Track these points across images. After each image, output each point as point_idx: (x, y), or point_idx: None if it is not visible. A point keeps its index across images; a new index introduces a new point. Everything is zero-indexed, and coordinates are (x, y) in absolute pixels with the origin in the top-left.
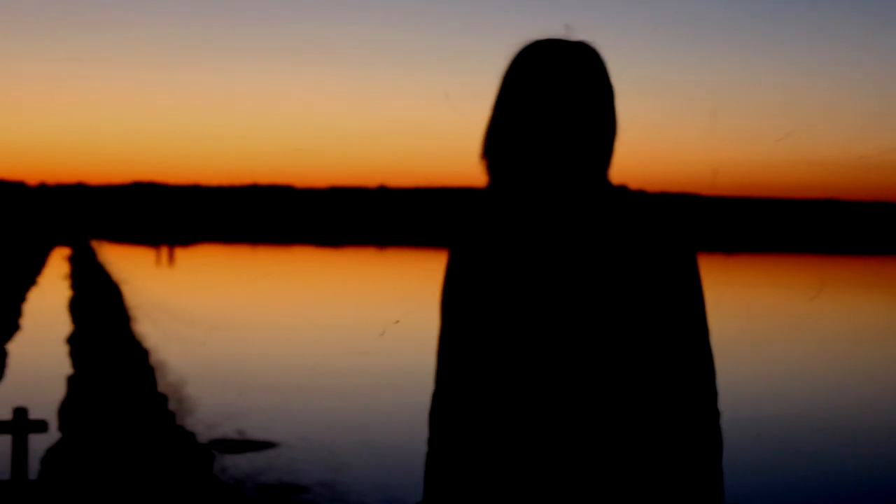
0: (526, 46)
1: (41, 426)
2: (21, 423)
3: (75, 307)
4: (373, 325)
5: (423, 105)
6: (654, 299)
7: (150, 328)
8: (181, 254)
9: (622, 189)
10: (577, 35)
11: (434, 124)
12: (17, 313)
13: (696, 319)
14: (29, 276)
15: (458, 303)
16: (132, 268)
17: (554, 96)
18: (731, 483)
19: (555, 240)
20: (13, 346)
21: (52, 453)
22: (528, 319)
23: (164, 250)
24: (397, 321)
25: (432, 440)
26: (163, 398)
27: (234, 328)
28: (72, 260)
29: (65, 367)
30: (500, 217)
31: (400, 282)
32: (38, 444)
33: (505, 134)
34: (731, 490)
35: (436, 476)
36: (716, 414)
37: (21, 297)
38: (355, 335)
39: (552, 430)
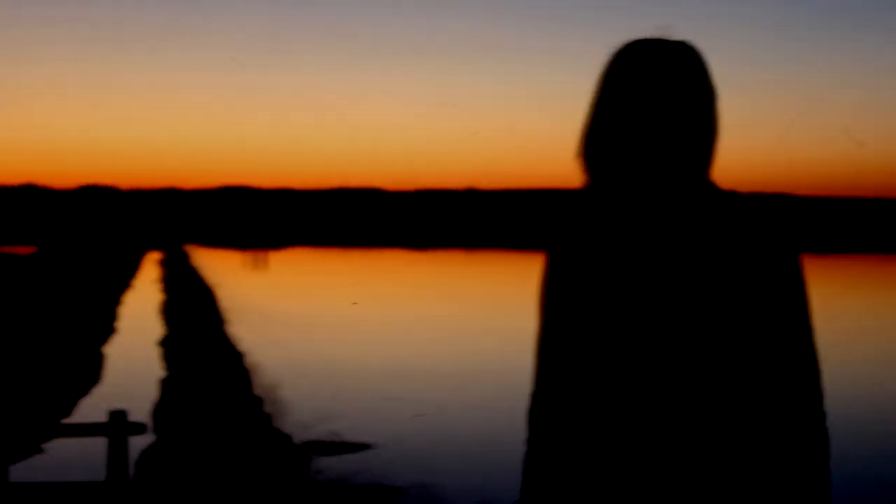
0: (625, 46)
1: (139, 428)
2: (120, 426)
3: (168, 311)
4: (463, 327)
5: (511, 106)
6: (758, 301)
7: (244, 331)
8: (273, 257)
9: (723, 190)
10: (675, 34)
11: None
12: (113, 317)
13: (801, 321)
14: (123, 280)
15: (557, 304)
16: (225, 271)
17: (654, 96)
18: None
19: (655, 241)
20: (109, 350)
21: (146, 455)
22: (628, 322)
23: (256, 254)
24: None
25: (530, 440)
26: (258, 400)
27: (328, 330)
28: (164, 264)
29: (158, 369)
30: (599, 218)
31: (488, 284)
32: (134, 445)
33: (604, 134)
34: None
35: (533, 476)
36: (822, 415)
37: (116, 301)
38: (446, 337)
39: (653, 433)
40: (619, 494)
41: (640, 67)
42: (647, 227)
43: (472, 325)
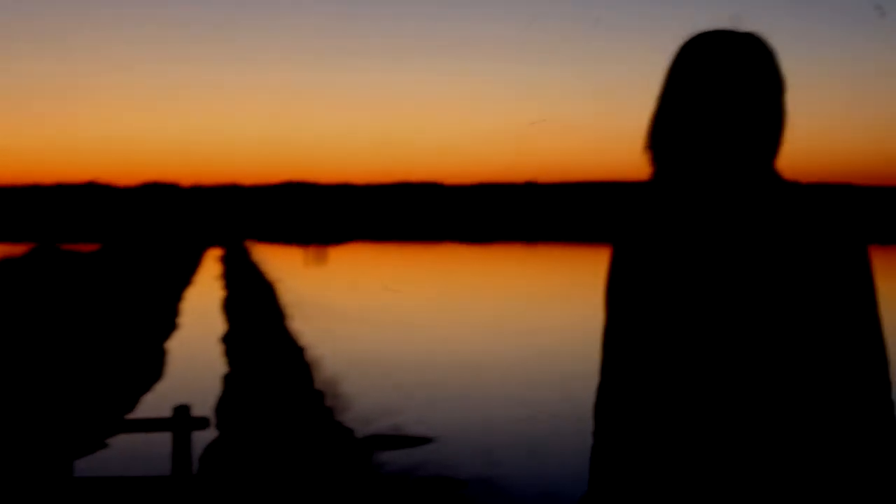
0: (694, 37)
1: (203, 423)
2: (183, 421)
3: (230, 306)
4: (525, 321)
5: (570, 100)
6: (826, 293)
7: (305, 326)
8: (333, 253)
9: (789, 181)
10: (744, 26)
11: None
12: (175, 313)
13: (869, 312)
14: (184, 276)
15: (623, 298)
16: (284, 267)
17: (723, 88)
18: None
19: (722, 233)
20: (171, 346)
21: (210, 449)
22: (695, 315)
23: (316, 249)
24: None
25: (598, 433)
26: (319, 395)
27: (388, 325)
28: (225, 260)
29: (221, 365)
30: (666, 210)
31: (549, 278)
32: (197, 440)
33: (672, 126)
34: None
35: (602, 469)
36: (890, 406)
37: (177, 298)
38: (507, 330)
39: (720, 427)
40: (686, 489)
41: (708, 59)
42: (714, 219)
43: (533, 319)
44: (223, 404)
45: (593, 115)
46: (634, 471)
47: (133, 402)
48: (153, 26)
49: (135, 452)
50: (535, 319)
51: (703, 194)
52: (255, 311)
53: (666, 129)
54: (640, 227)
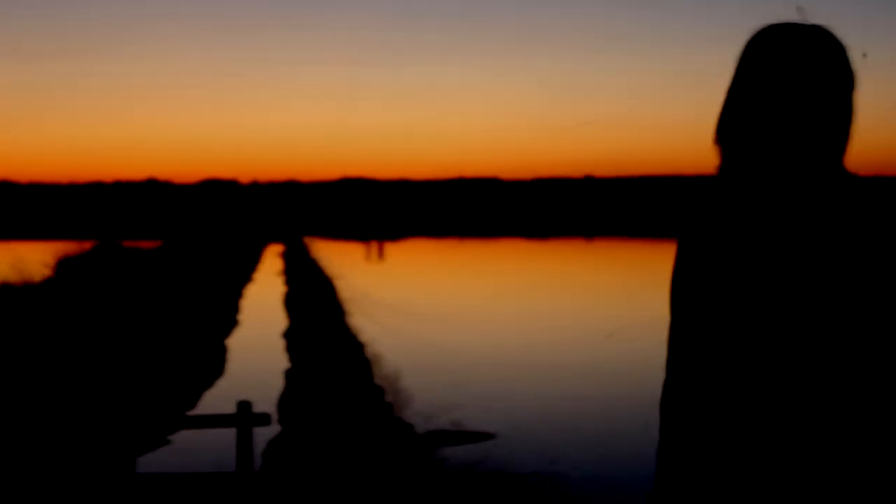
0: (762, 30)
1: (265, 419)
2: (245, 417)
3: (290, 302)
4: (583, 315)
5: (627, 94)
6: (893, 291)
7: (365, 321)
8: (391, 248)
9: (857, 176)
10: (811, 18)
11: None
12: (235, 309)
13: None
14: (245, 272)
15: (689, 294)
16: (344, 263)
17: (791, 82)
18: None
19: (790, 229)
20: (232, 342)
21: (272, 446)
22: (762, 312)
23: (374, 245)
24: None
25: (665, 430)
26: (380, 390)
27: (447, 320)
28: (285, 256)
29: (282, 361)
30: (733, 206)
31: (608, 272)
32: (259, 436)
33: (741, 120)
34: None
35: (668, 467)
36: None
37: (238, 294)
38: (566, 325)
39: (784, 425)
40: (751, 487)
41: (778, 53)
42: (782, 215)
43: (592, 315)
44: (285, 400)
45: (653, 108)
46: (702, 469)
47: (194, 399)
48: (211, 24)
49: (194, 449)
50: (596, 315)
51: (772, 190)
52: (314, 307)
53: (735, 123)
54: (706, 222)
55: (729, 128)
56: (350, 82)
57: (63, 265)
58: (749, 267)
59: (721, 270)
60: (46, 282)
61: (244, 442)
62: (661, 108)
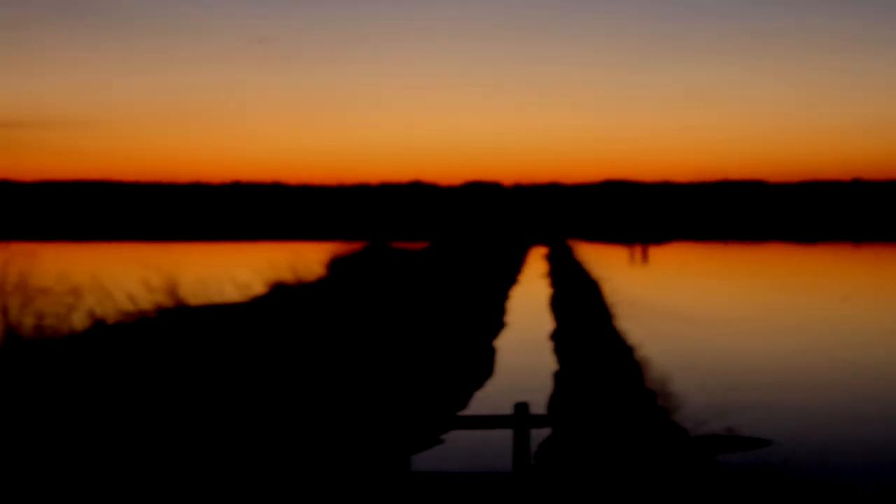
0: None
1: (543, 421)
2: (523, 418)
3: (556, 305)
4: (855, 320)
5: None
6: None
7: (632, 325)
8: (655, 251)
9: None
10: None
11: None
12: (502, 311)
13: None
14: (510, 274)
15: None
16: (608, 266)
17: None
18: None
19: None
20: (500, 343)
21: (546, 447)
22: None
23: (638, 248)
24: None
25: None
26: (651, 394)
27: (714, 325)
28: (549, 258)
29: (550, 363)
30: None
31: (876, 279)
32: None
33: None
34: None
35: None
36: None
37: (504, 296)
38: (843, 331)
39: None
40: None
41: None
42: None
43: (866, 320)
44: (556, 402)
45: None
46: None
47: (465, 399)
48: (476, 27)
49: (465, 448)
50: (867, 321)
51: None
52: (581, 310)
53: None
54: None
55: None
56: (615, 84)
57: (335, 265)
58: None
59: None
60: (319, 281)
61: (521, 443)
62: None
